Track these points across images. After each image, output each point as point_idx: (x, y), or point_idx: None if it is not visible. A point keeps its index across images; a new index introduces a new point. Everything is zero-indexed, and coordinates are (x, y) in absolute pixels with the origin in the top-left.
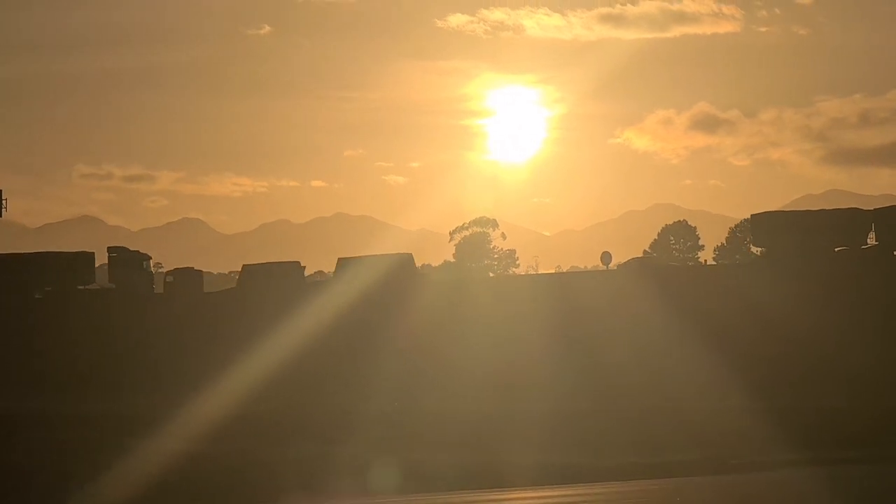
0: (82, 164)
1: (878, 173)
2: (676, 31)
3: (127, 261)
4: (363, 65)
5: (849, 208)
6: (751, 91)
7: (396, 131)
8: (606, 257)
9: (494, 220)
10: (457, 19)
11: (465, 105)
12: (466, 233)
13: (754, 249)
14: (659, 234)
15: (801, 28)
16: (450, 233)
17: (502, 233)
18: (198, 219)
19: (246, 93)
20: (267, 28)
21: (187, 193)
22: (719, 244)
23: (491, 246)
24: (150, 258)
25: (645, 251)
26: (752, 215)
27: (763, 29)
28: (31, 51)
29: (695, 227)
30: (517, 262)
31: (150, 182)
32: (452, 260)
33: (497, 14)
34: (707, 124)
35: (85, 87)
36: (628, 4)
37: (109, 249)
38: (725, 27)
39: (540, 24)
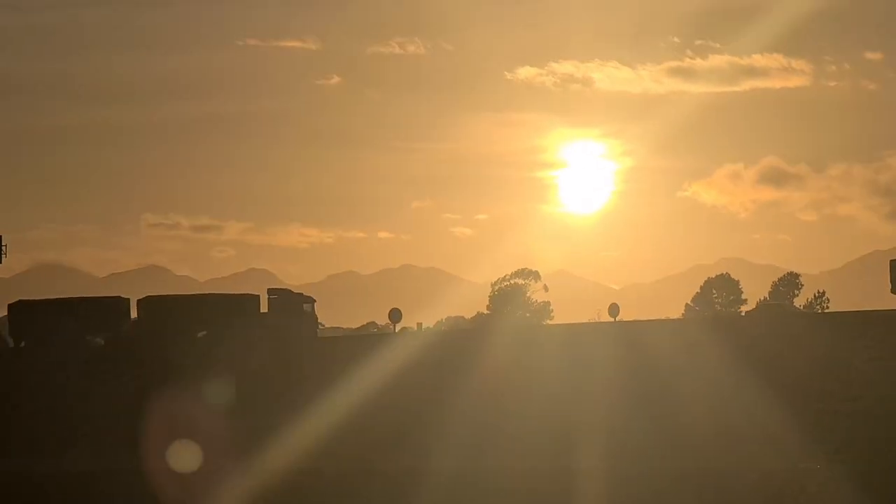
0: (150, 214)
1: None
2: (746, 85)
3: (287, 303)
4: (431, 116)
5: None
6: (819, 145)
7: (463, 183)
8: (614, 309)
9: (536, 272)
10: (526, 72)
11: (532, 157)
12: (506, 284)
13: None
14: (701, 288)
15: (870, 83)
16: (491, 284)
17: (544, 285)
18: (265, 269)
19: (314, 143)
20: (336, 79)
21: (255, 244)
22: (762, 297)
23: (528, 296)
24: (314, 301)
25: (687, 305)
26: (891, 261)
27: (832, 83)
28: (100, 100)
29: (738, 281)
30: (552, 315)
31: (218, 232)
32: (486, 311)
33: (566, 67)
34: (775, 178)
35: (153, 136)
36: (697, 58)
37: (269, 291)
38: (795, 81)
39: (609, 76)
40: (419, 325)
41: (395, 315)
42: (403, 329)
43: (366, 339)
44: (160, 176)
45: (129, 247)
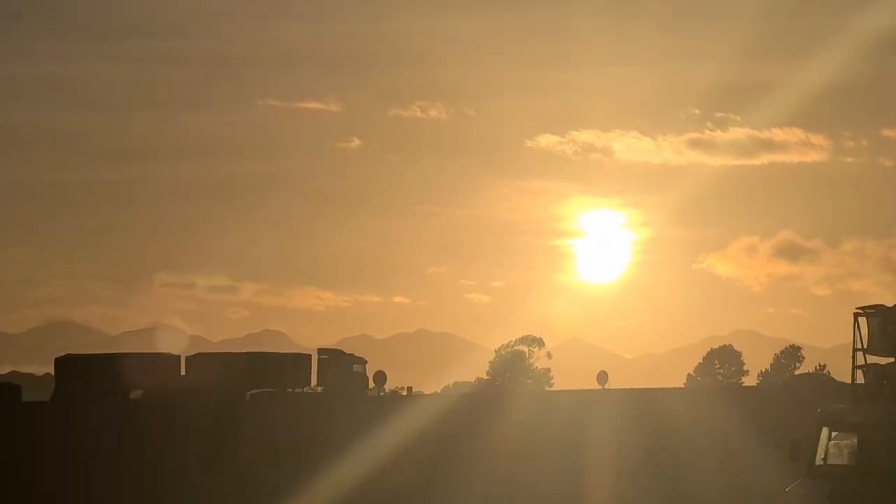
0: (163, 273)
1: None
2: (764, 159)
3: (337, 363)
4: (450, 181)
5: None
6: (834, 220)
7: (481, 249)
8: (602, 377)
9: (541, 339)
10: (546, 140)
11: (550, 226)
12: (509, 350)
13: None
14: (704, 359)
15: (887, 160)
16: (495, 350)
17: (548, 352)
18: (279, 331)
19: (332, 205)
20: (357, 141)
21: (269, 305)
22: (763, 369)
23: (531, 362)
24: (366, 361)
25: (689, 375)
26: None
27: (850, 159)
28: (117, 157)
29: (740, 353)
30: (552, 383)
31: (233, 293)
32: (486, 377)
33: (587, 136)
34: (790, 252)
35: (170, 195)
36: (718, 130)
37: (320, 351)
38: (813, 156)
39: (630, 146)
40: (409, 389)
41: (380, 378)
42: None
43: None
44: (176, 235)
45: (142, 305)
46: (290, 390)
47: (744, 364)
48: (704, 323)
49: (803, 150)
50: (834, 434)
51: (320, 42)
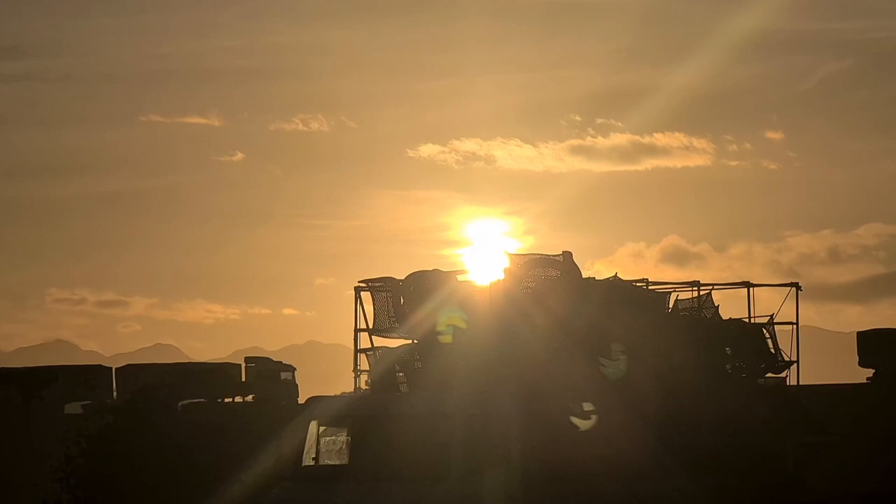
0: (55, 288)
1: (847, 310)
2: (647, 164)
3: (265, 372)
4: (335, 194)
5: None
6: (721, 225)
7: (367, 260)
8: None
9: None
10: (428, 149)
11: (436, 235)
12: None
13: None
14: None
15: (771, 163)
16: None
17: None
18: (171, 345)
19: (218, 219)
20: (239, 155)
21: (160, 319)
22: None
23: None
24: (295, 369)
25: None
26: (858, 332)
27: (733, 163)
28: (5, 175)
29: None
30: None
31: (124, 308)
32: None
33: (469, 145)
34: (677, 257)
35: (57, 212)
36: (599, 137)
37: (247, 360)
38: (696, 161)
39: (511, 154)
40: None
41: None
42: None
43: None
44: (66, 251)
45: (36, 321)
46: (220, 400)
47: None
48: None
49: (686, 154)
50: (324, 429)
51: (201, 57)
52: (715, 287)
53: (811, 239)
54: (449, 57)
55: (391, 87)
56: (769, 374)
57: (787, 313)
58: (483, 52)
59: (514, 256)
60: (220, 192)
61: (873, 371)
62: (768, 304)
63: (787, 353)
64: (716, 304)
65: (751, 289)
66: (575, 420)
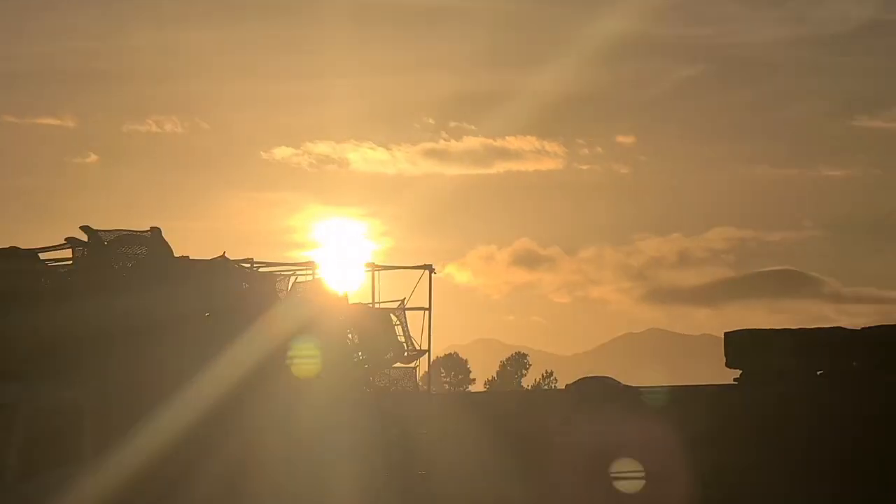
0: None
1: (695, 313)
2: (500, 167)
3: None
4: (189, 195)
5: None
6: (571, 228)
7: None
8: None
9: None
10: (282, 152)
11: (288, 237)
12: None
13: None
14: (430, 366)
15: (622, 167)
16: None
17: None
18: None
19: (70, 222)
20: (93, 157)
21: None
22: (490, 378)
23: None
24: None
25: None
26: (725, 333)
27: (584, 167)
28: None
29: (466, 360)
30: None
31: None
32: None
33: (322, 147)
34: (528, 261)
35: None
36: (452, 140)
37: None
38: (548, 164)
39: (365, 157)
40: None
41: None
42: None
43: None
44: None
45: None
46: None
47: (470, 371)
48: (446, 332)
49: (538, 157)
50: None
51: (55, 58)
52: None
53: (661, 242)
54: (303, 59)
55: (245, 89)
56: (398, 364)
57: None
58: (338, 54)
59: (99, 233)
60: (73, 194)
61: (740, 372)
62: (406, 289)
63: (419, 341)
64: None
65: (376, 271)
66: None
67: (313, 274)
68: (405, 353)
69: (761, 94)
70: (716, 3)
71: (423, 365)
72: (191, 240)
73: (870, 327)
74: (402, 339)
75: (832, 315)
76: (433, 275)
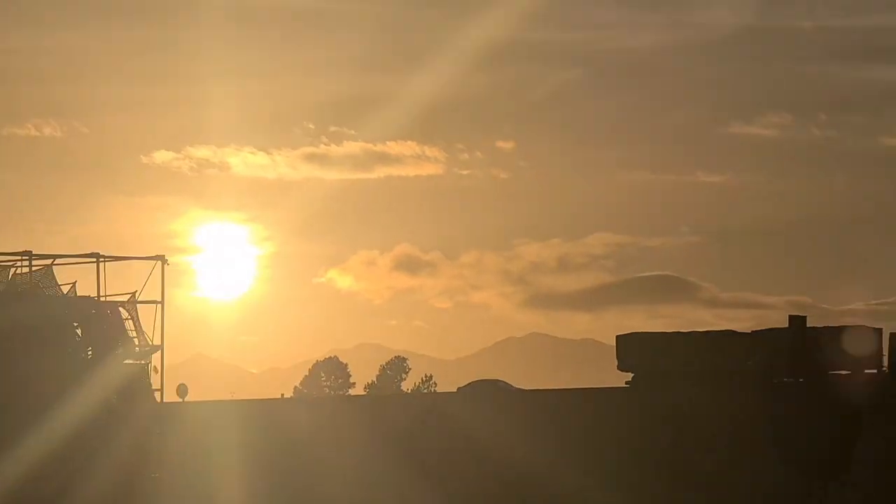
0: None
1: (576, 317)
2: (380, 172)
3: None
4: (69, 200)
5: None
6: (453, 233)
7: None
8: (182, 390)
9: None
10: (162, 156)
11: (168, 242)
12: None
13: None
14: (311, 370)
15: (502, 172)
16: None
17: (154, 367)
18: None
19: None
20: None
21: None
22: (370, 381)
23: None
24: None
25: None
26: (617, 336)
27: (465, 172)
28: None
29: (346, 364)
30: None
31: None
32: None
33: (202, 152)
34: (410, 265)
35: None
36: (332, 145)
37: None
38: (428, 169)
39: (246, 162)
40: None
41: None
42: None
43: None
44: None
45: None
46: None
47: (350, 376)
48: (329, 336)
49: (418, 162)
50: None
51: None
52: (57, 260)
53: (541, 247)
54: (184, 62)
55: (125, 93)
56: (129, 360)
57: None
58: (218, 58)
59: None
60: None
61: (632, 375)
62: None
63: (151, 336)
64: (74, 280)
65: (100, 262)
66: None
67: (31, 264)
68: (136, 349)
69: (639, 99)
70: (595, 8)
71: (300, 369)
72: (70, 245)
73: (759, 330)
74: (134, 334)
75: (710, 320)
76: (165, 266)
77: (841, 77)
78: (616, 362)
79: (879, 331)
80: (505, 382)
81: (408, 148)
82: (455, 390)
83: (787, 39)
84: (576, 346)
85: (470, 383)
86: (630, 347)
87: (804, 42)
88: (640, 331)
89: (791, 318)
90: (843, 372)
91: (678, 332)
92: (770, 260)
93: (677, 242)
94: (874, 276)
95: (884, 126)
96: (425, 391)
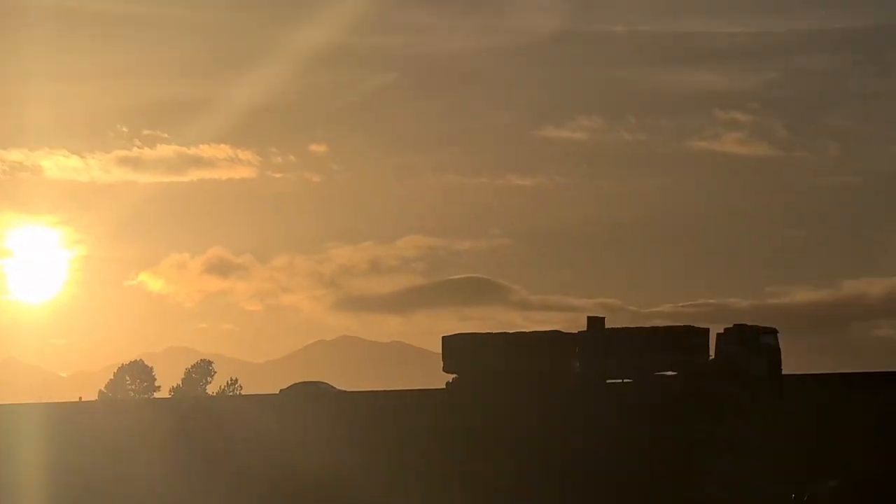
0: None
1: (386, 320)
2: (193, 176)
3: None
4: None
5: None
6: (265, 236)
7: None
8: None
9: None
10: None
11: None
12: None
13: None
14: (115, 374)
15: (315, 175)
16: None
17: None
18: None
19: None
20: None
21: None
22: (175, 385)
23: None
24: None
25: (100, 391)
26: (443, 337)
27: (278, 175)
28: None
29: (151, 367)
30: None
31: None
32: None
33: (15, 155)
34: (221, 268)
35: None
36: (146, 148)
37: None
38: (241, 173)
39: (58, 165)
40: None
41: None
42: None
43: None
44: None
45: None
46: None
47: (156, 379)
48: (140, 339)
49: (232, 166)
50: None
51: None
52: None
53: (352, 251)
54: None
55: None
56: None
57: None
58: (32, 61)
59: None
60: None
61: (454, 375)
62: None
63: None
64: None
65: None
66: None
67: None
68: None
69: (452, 103)
70: (408, 12)
71: (109, 372)
72: None
73: (584, 331)
74: None
75: (520, 322)
76: None
77: (650, 81)
78: (425, 364)
79: (706, 330)
80: (327, 384)
81: (221, 151)
82: (278, 392)
83: (598, 44)
84: (385, 349)
85: (292, 385)
86: (455, 348)
87: (615, 46)
88: (466, 332)
89: (590, 319)
90: (669, 373)
91: (502, 333)
92: (580, 262)
93: (488, 245)
94: (682, 278)
95: (692, 129)
96: (230, 394)
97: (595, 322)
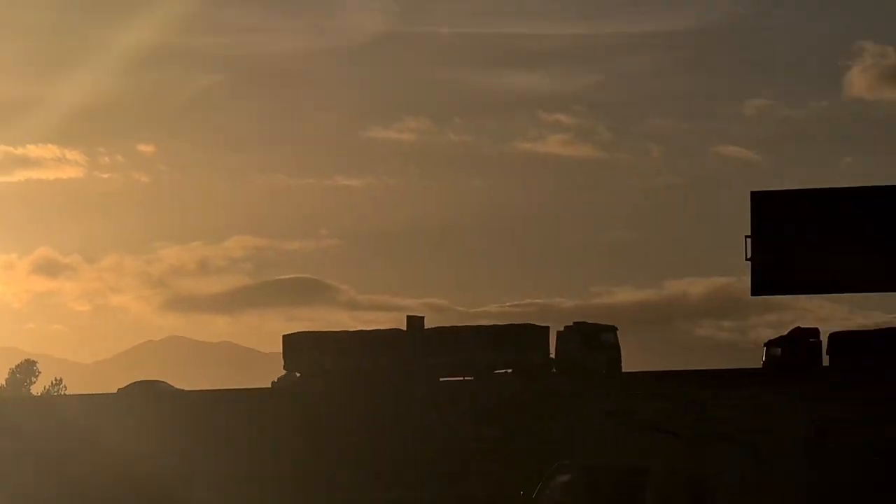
0: None
1: (214, 320)
2: (20, 176)
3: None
4: None
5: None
6: (93, 236)
7: None
8: None
9: None
10: None
11: None
12: None
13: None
14: None
15: (143, 175)
16: None
17: None
18: None
19: None
20: None
21: None
22: None
23: None
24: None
25: None
26: (283, 336)
27: (105, 175)
28: None
29: None
30: None
31: None
32: None
33: None
34: (49, 269)
35: None
36: None
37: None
38: (69, 173)
39: None
40: None
41: None
42: None
43: None
44: None
45: None
46: None
47: None
48: None
49: (59, 166)
50: None
51: None
52: None
53: (181, 251)
54: None
55: None
56: None
57: None
58: None
59: None
60: None
61: (298, 373)
62: None
63: None
64: None
65: None
66: None
67: None
68: None
69: (279, 104)
70: (235, 12)
71: None
72: None
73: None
74: None
75: (348, 322)
76: None
77: (476, 82)
78: (254, 364)
79: (546, 328)
80: (166, 383)
81: (48, 151)
82: (115, 392)
83: (424, 45)
84: (214, 349)
85: (130, 384)
86: (296, 347)
87: (441, 47)
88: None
89: (409, 318)
90: (506, 370)
91: (344, 331)
92: (408, 262)
93: (317, 246)
94: (509, 278)
95: (517, 131)
96: (55, 394)
97: (414, 321)
